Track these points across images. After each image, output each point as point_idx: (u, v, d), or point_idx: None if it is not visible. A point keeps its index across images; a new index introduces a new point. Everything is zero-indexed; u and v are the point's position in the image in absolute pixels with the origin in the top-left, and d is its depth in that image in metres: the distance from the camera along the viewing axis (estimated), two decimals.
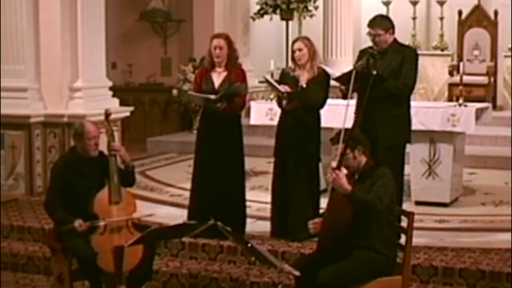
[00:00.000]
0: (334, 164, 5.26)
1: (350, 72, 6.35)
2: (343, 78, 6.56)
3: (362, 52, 6.87)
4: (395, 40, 6.77)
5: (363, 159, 5.32)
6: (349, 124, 5.65)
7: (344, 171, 5.29)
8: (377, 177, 5.23)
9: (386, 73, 6.53)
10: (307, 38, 7.09)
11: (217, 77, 6.96)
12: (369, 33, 6.72)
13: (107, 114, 6.23)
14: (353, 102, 6.40)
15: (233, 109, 6.91)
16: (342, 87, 6.72)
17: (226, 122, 6.93)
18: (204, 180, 7.00)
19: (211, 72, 6.99)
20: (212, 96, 6.76)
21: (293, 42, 7.12)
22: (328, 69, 6.90)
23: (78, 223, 5.82)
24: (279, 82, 7.06)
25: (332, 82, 6.86)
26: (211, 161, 6.95)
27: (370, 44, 6.76)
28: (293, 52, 7.01)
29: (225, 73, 6.95)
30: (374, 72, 6.12)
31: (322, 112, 7.05)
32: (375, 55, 6.57)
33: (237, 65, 7.06)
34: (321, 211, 6.40)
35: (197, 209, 6.98)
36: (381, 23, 6.71)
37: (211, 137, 6.95)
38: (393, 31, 6.74)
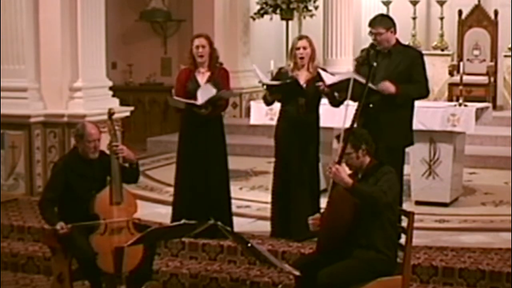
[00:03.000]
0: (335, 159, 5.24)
1: (346, 80, 6.25)
2: (338, 86, 6.54)
3: (364, 51, 6.85)
4: (397, 40, 6.77)
5: (366, 159, 5.30)
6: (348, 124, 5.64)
7: (347, 170, 5.27)
8: (381, 174, 5.21)
9: (393, 76, 6.51)
10: (309, 38, 7.06)
11: (202, 77, 6.99)
12: (371, 32, 6.71)
13: (111, 114, 6.23)
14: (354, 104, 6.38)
15: (216, 111, 6.97)
16: (336, 93, 6.70)
17: (210, 123, 6.96)
18: (189, 180, 7.00)
19: (194, 72, 7.02)
20: (198, 103, 6.79)
21: (297, 40, 7.02)
22: (323, 73, 6.86)
23: (59, 225, 5.84)
24: (275, 80, 7.05)
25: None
26: (196, 162, 6.97)
27: (371, 43, 6.74)
28: (296, 49, 6.91)
29: (208, 73, 7.00)
30: (375, 64, 6.09)
31: (322, 112, 7.04)
32: (375, 46, 6.58)
33: (219, 64, 7.08)
34: (321, 211, 6.39)
35: (183, 209, 6.95)
36: (381, 21, 6.70)
37: (195, 137, 6.97)
38: (395, 29, 6.72)
